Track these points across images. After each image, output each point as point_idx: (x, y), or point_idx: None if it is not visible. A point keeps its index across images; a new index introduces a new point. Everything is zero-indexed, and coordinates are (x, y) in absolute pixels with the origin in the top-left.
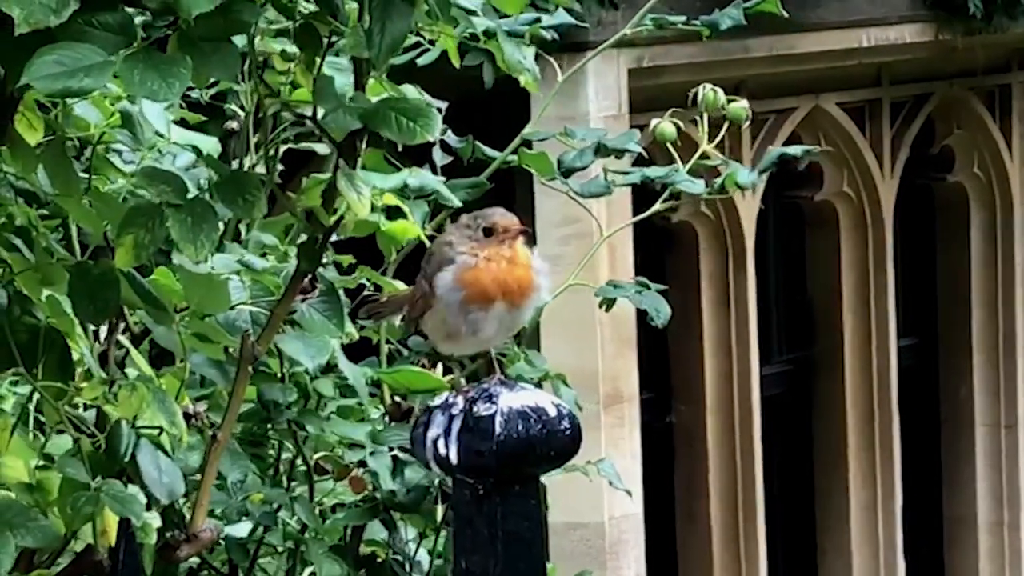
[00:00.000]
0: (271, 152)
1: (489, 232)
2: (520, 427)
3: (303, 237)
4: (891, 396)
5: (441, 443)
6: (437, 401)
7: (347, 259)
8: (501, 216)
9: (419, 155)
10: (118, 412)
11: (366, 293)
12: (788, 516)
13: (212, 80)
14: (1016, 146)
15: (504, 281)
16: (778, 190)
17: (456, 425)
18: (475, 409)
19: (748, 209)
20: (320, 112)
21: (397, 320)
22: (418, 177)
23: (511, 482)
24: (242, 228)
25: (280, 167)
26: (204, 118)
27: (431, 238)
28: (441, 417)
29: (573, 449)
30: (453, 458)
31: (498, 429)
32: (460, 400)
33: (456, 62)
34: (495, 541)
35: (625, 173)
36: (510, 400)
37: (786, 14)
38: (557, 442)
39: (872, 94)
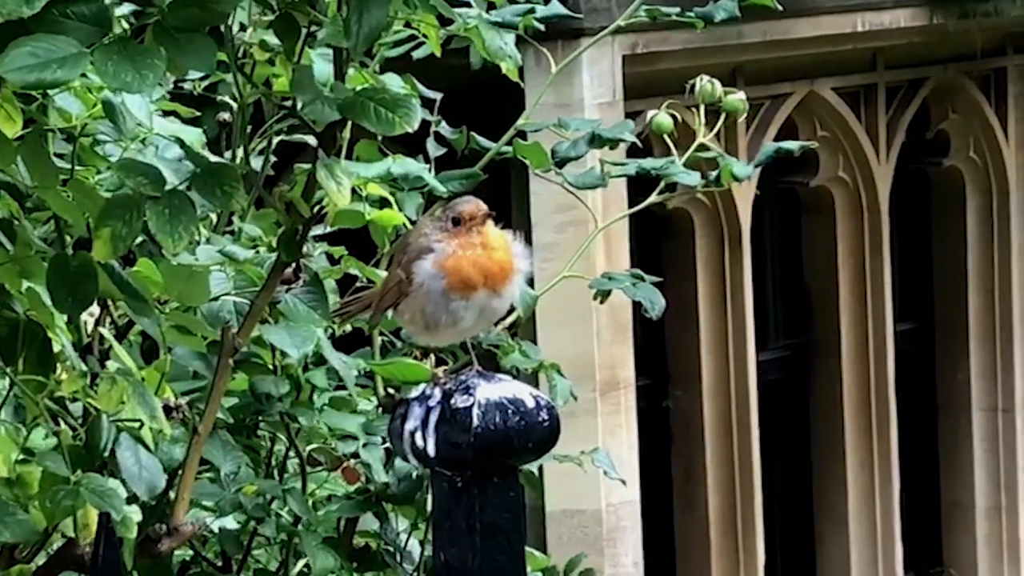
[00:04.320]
0: (262, 144)
1: (457, 221)
2: (498, 419)
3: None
4: (888, 381)
5: (419, 435)
6: (414, 393)
7: (339, 250)
8: (466, 204)
9: (416, 146)
10: (99, 405)
11: (358, 285)
12: (785, 502)
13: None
14: (1012, 130)
15: (485, 266)
16: (773, 176)
17: (433, 417)
18: (452, 401)
19: (744, 195)
20: (299, 103)
21: (366, 317)
22: (402, 165)
23: (489, 474)
24: (236, 219)
25: (274, 159)
26: (198, 112)
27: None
28: (418, 409)
29: (552, 440)
30: (431, 450)
31: (475, 421)
32: (437, 392)
33: (437, 51)
34: (473, 533)
35: (621, 164)
36: (488, 392)
37: (781, 7)
38: (535, 434)
39: (867, 79)
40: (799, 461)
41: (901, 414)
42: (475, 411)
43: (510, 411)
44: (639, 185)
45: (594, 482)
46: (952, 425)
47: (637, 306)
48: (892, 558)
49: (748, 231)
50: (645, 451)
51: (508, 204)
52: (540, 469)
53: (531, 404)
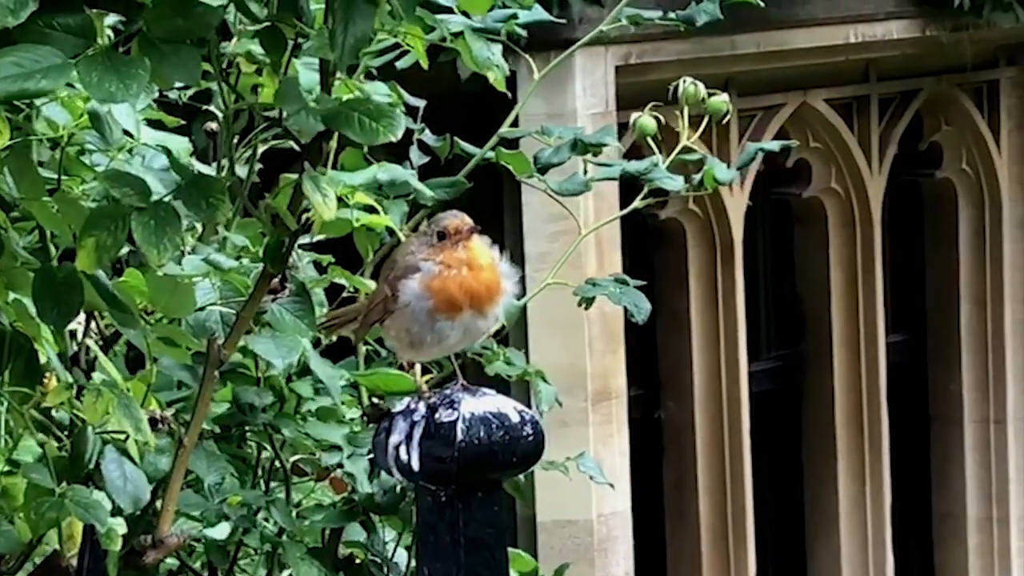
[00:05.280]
0: (247, 153)
1: (442, 236)
2: (482, 433)
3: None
4: (880, 392)
5: (403, 449)
6: (399, 407)
7: (327, 259)
8: (452, 218)
9: (402, 156)
10: (84, 417)
11: (345, 295)
12: (777, 512)
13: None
14: (1004, 142)
15: (472, 288)
16: (766, 187)
17: (417, 431)
18: (437, 415)
19: (736, 205)
20: (284, 114)
21: (352, 331)
22: (387, 171)
23: (473, 488)
24: (221, 229)
25: (260, 166)
26: (183, 121)
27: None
28: (403, 423)
29: (536, 455)
30: (415, 464)
31: (459, 435)
32: (422, 406)
33: (424, 61)
34: (457, 548)
35: (604, 165)
36: (472, 406)
37: (762, 4)
38: (520, 448)
39: (860, 90)
40: (790, 471)
41: (893, 425)
42: (459, 425)
43: (494, 425)
44: (633, 195)
45: (585, 492)
46: (944, 436)
47: (629, 315)
48: (883, 569)
49: (740, 242)
50: (636, 461)
51: (500, 214)
52: (532, 479)
53: (515, 419)
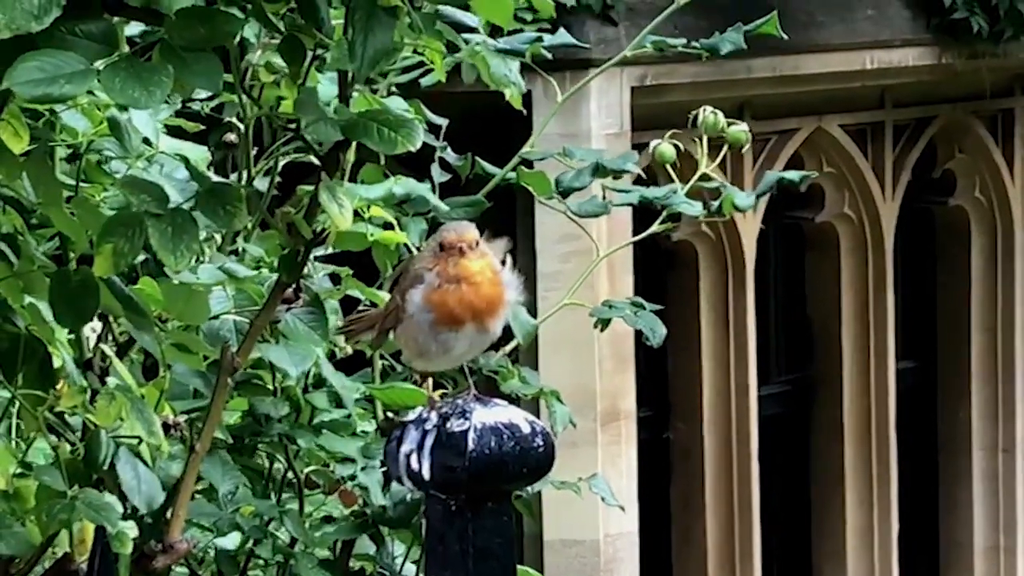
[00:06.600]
0: (268, 164)
1: (441, 248)
2: (493, 443)
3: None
4: (889, 418)
5: (414, 458)
6: (411, 416)
7: (344, 271)
8: (450, 232)
9: (422, 174)
10: (97, 421)
11: (361, 307)
12: (784, 536)
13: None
14: (1018, 171)
15: (471, 303)
16: (779, 211)
17: (429, 440)
18: (448, 425)
19: (748, 229)
20: (303, 123)
21: (369, 337)
22: (404, 186)
23: (483, 498)
24: (240, 240)
25: (279, 179)
26: (203, 126)
27: None
28: (414, 432)
29: (547, 466)
30: (425, 473)
31: (471, 445)
32: (434, 415)
33: (442, 76)
34: (466, 557)
35: (624, 191)
36: (483, 416)
37: (785, 36)
38: (530, 459)
39: (875, 116)
40: (798, 496)
41: (901, 451)
42: (471, 435)
43: (505, 436)
44: (644, 219)
45: (592, 512)
46: (952, 464)
47: (639, 337)
48: None
49: (752, 265)
50: (644, 482)
51: (513, 233)
52: (539, 497)
53: (526, 430)
